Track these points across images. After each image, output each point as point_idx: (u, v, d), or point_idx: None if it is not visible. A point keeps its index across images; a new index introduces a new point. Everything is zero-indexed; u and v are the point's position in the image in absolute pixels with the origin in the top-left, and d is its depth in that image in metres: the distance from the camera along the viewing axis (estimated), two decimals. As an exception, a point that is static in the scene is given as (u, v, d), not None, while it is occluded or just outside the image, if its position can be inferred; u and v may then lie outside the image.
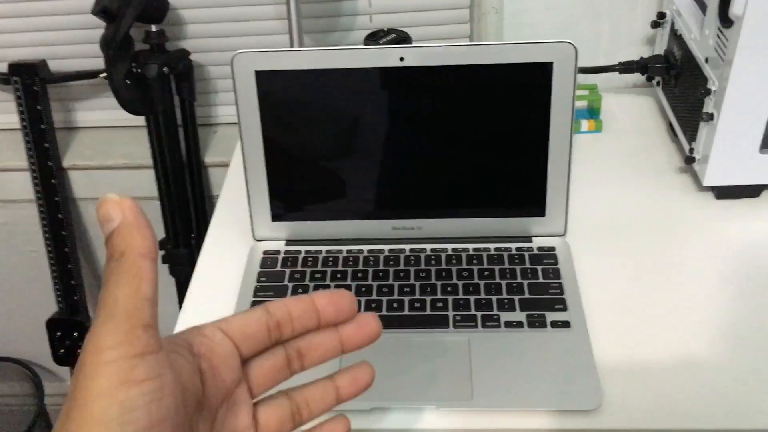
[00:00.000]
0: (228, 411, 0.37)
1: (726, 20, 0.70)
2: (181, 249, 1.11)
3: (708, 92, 0.75)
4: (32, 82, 1.04)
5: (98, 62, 0.99)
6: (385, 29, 0.87)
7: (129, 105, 1.00)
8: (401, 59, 0.69)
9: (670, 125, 0.90)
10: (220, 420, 0.36)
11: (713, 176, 0.78)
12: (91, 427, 0.29)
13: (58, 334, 1.18)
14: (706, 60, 0.76)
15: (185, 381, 0.33)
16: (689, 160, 0.80)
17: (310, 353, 0.39)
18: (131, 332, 0.30)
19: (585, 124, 0.93)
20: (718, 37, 0.73)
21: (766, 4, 0.66)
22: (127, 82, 0.98)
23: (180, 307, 0.73)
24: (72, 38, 1.05)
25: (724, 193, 0.80)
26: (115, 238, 0.31)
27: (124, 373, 0.30)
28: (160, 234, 1.13)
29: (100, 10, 0.93)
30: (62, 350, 1.19)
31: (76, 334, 1.18)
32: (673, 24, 0.88)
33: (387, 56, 0.69)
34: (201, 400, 0.35)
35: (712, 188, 0.80)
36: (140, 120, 1.05)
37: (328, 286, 0.71)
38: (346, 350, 0.40)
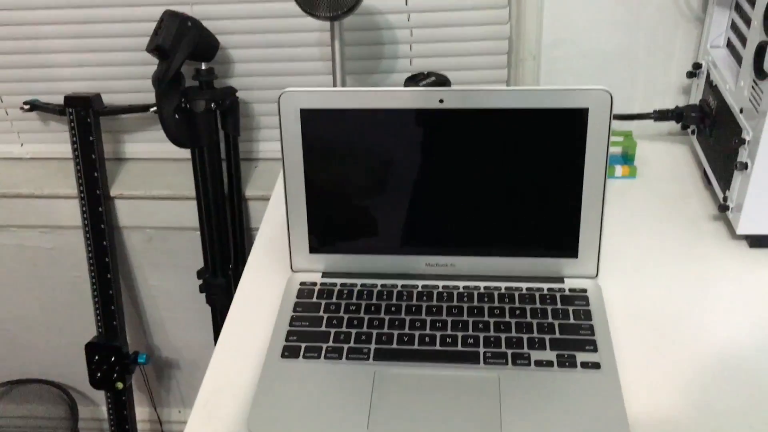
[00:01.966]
0: None
1: (761, 73, 0.72)
2: (219, 278, 1.14)
3: (742, 142, 0.76)
4: (86, 115, 1.09)
5: (149, 97, 1.04)
6: (425, 72, 0.90)
7: (176, 138, 1.04)
8: (441, 101, 0.71)
9: (704, 173, 0.90)
10: None
11: (747, 225, 0.78)
12: None
13: (96, 358, 1.21)
14: (741, 110, 0.77)
15: None
16: (723, 208, 0.81)
17: None
18: None
19: (619, 170, 0.94)
20: (753, 88, 0.74)
21: (800, 58, 0.67)
22: (176, 116, 1.02)
23: (215, 335, 0.76)
24: (126, 74, 1.10)
25: (757, 242, 0.80)
26: None
27: None
28: (198, 264, 1.17)
29: (154, 48, 0.98)
30: (99, 374, 1.22)
31: (113, 359, 1.21)
32: (708, 74, 0.89)
33: (427, 98, 0.72)
34: None
35: (746, 237, 0.81)
36: (185, 153, 1.09)
37: (362, 319, 0.73)
38: None
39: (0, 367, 1.41)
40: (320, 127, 0.73)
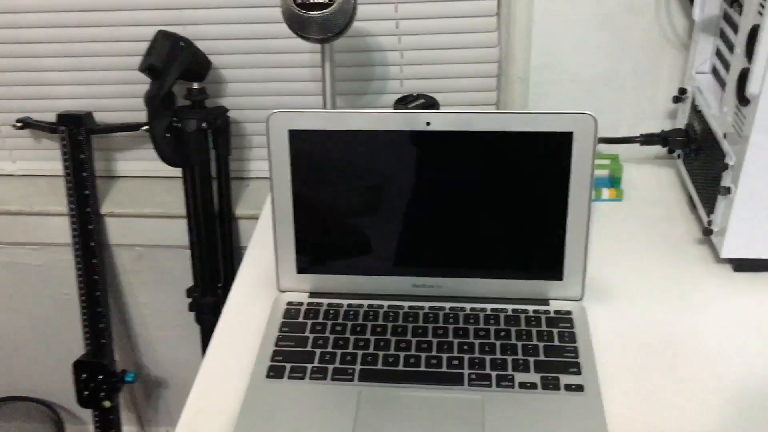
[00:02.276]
0: None
1: (743, 99, 0.73)
2: (207, 297, 1.14)
3: (726, 167, 0.77)
4: (77, 133, 1.10)
5: (141, 115, 1.04)
6: (415, 94, 0.91)
7: (167, 157, 1.05)
8: (428, 123, 0.72)
9: (690, 197, 0.91)
10: None
11: (731, 249, 0.79)
12: None
13: (84, 376, 1.20)
14: (725, 135, 0.78)
15: None
16: (707, 232, 0.82)
17: None
18: None
19: (606, 193, 0.95)
20: (736, 114, 0.75)
21: (781, 85, 0.69)
22: (167, 135, 1.03)
23: (204, 353, 0.76)
24: (118, 92, 1.11)
25: (742, 266, 0.81)
26: None
27: None
28: (188, 282, 1.17)
29: (146, 68, 0.99)
30: (86, 392, 1.21)
31: (100, 377, 1.20)
32: (693, 100, 0.90)
33: (414, 120, 0.72)
34: None
35: (730, 261, 0.82)
36: (176, 171, 1.10)
37: (348, 339, 0.73)
38: None
39: (-13, 384, 1.40)
40: (308, 149, 0.74)
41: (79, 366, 1.20)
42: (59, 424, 1.36)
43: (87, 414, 1.41)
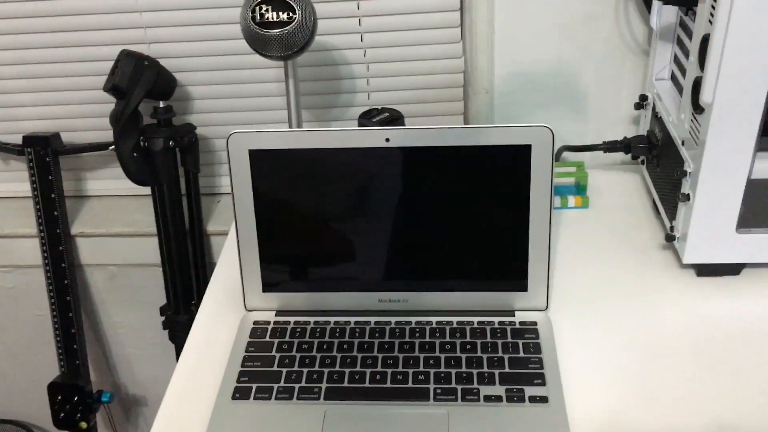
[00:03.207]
0: None
1: (698, 107, 0.73)
2: (181, 315, 1.14)
3: (684, 173, 0.78)
4: (44, 154, 1.09)
5: (109, 135, 1.04)
6: (379, 108, 0.91)
7: (135, 176, 1.04)
8: (387, 140, 0.73)
9: (654, 203, 0.92)
10: None
11: (692, 254, 0.80)
12: None
13: (59, 397, 1.20)
14: (683, 142, 0.79)
15: None
16: (669, 238, 0.83)
17: None
18: None
19: (572, 200, 0.96)
20: (693, 121, 0.76)
21: (733, 92, 0.69)
22: (135, 154, 1.03)
23: (176, 373, 0.76)
24: (85, 112, 1.10)
25: (704, 270, 0.82)
26: None
27: None
28: (162, 300, 1.16)
29: (111, 88, 0.98)
30: (62, 414, 1.20)
31: (76, 398, 1.20)
32: (654, 106, 0.91)
33: (374, 137, 0.73)
34: None
35: (693, 266, 0.82)
36: (146, 189, 1.09)
37: (314, 358, 0.73)
38: None
39: (-37, 408, 1.39)
40: (269, 168, 0.74)
41: (53, 388, 1.19)
42: (37, 446, 1.35)
43: (65, 435, 1.40)
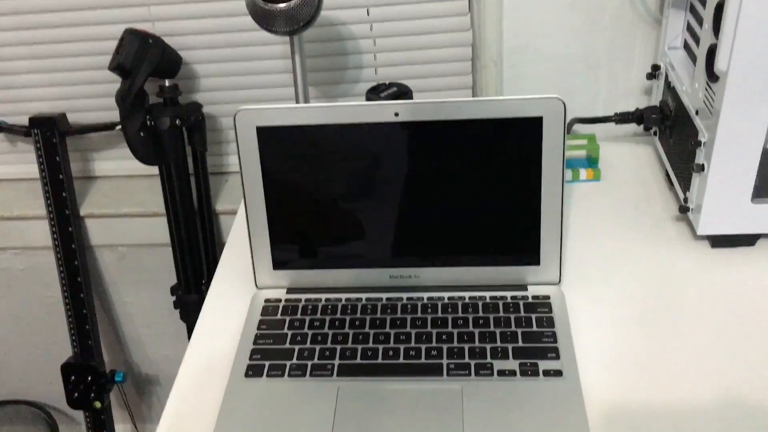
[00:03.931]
0: None
1: (712, 75, 0.72)
2: (192, 295, 1.14)
3: (699, 144, 0.76)
4: (51, 135, 1.09)
5: (116, 114, 1.03)
6: (387, 83, 0.90)
7: (142, 156, 1.04)
8: (396, 114, 0.72)
9: (667, 174, 0.91)
10: None
11: (707, 226, 0.79)
12: None
13: (73, 378, 1.20)
14: (697, 112, 0.78)
15: None
16: (683, 209, 0.82)
17: None
18: None
19: (583, 173, 0.95)
20: (707, 90, 0.75)
21: (749, 60, 0.68)
22: (141, 134, 1.02)
23: (187, 352, 0.76)
24: (90, 92, 1.10)
25: (719, 242, 0.81)
26: None
27: None
28: (173, 280, 1.16)
29: (116, 67, 0.97)
30: (76, 394, 1.21)
31: (89, 378, 1.20)
32: (667, 76, 0.90)
33: (382, 112, 0.72)
34: None
35: (708, 237, 0.81)
36: (154, 169, 1.09)
37: (326, 335, 0.73)
38: None
39: (-22, 389, 1.40)
40: (277, 144, 0.73)
41: (67, 368, 1.20)
42: (53, 425, 1.36)
43: (80, 415, 1.42)
